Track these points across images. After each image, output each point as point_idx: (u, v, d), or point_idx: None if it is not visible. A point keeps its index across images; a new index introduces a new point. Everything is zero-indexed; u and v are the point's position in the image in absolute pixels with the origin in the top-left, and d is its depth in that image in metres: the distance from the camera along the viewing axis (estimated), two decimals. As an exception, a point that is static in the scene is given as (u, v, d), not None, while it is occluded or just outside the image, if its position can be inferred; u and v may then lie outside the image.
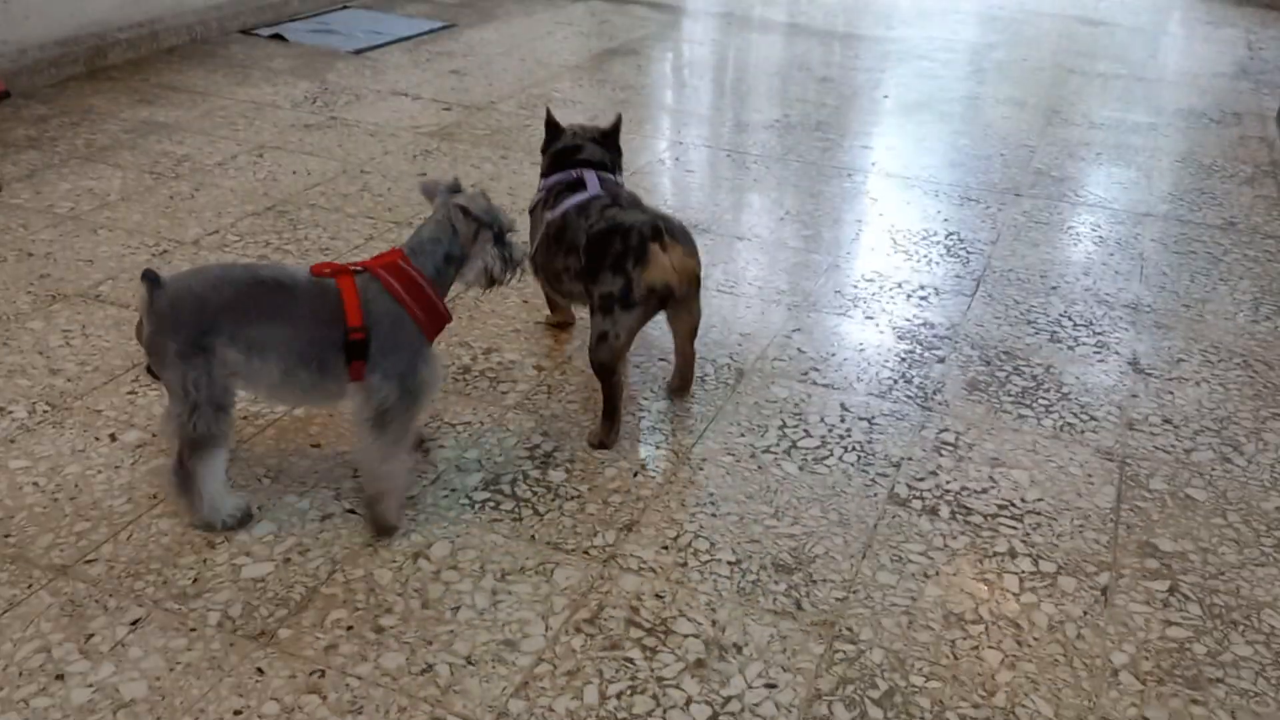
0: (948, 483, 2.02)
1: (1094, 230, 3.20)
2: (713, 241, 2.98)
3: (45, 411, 2.10)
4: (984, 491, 2.00)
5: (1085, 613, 1.72)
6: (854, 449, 2.10)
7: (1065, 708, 1.55)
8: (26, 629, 1.59)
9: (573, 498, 1.93)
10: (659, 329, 2.43)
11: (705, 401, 2.25)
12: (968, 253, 2.99)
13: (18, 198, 3.03)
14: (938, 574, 1.79)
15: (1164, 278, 2.90)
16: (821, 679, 1.57)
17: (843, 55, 5.05)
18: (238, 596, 1.67)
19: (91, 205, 3.01)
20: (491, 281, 1.85)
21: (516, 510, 1.89)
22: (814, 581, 1.76)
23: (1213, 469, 2.10)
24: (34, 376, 2.21)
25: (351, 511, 1.87)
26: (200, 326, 1.65)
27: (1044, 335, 2.57)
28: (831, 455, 2.08)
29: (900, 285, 2.78)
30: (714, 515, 1.90)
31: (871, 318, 2.62)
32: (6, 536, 1.77)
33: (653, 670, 1.57)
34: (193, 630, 1.60)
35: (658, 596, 1.71)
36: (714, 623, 1.66)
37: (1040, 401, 2.30)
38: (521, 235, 1.97)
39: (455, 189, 1.83)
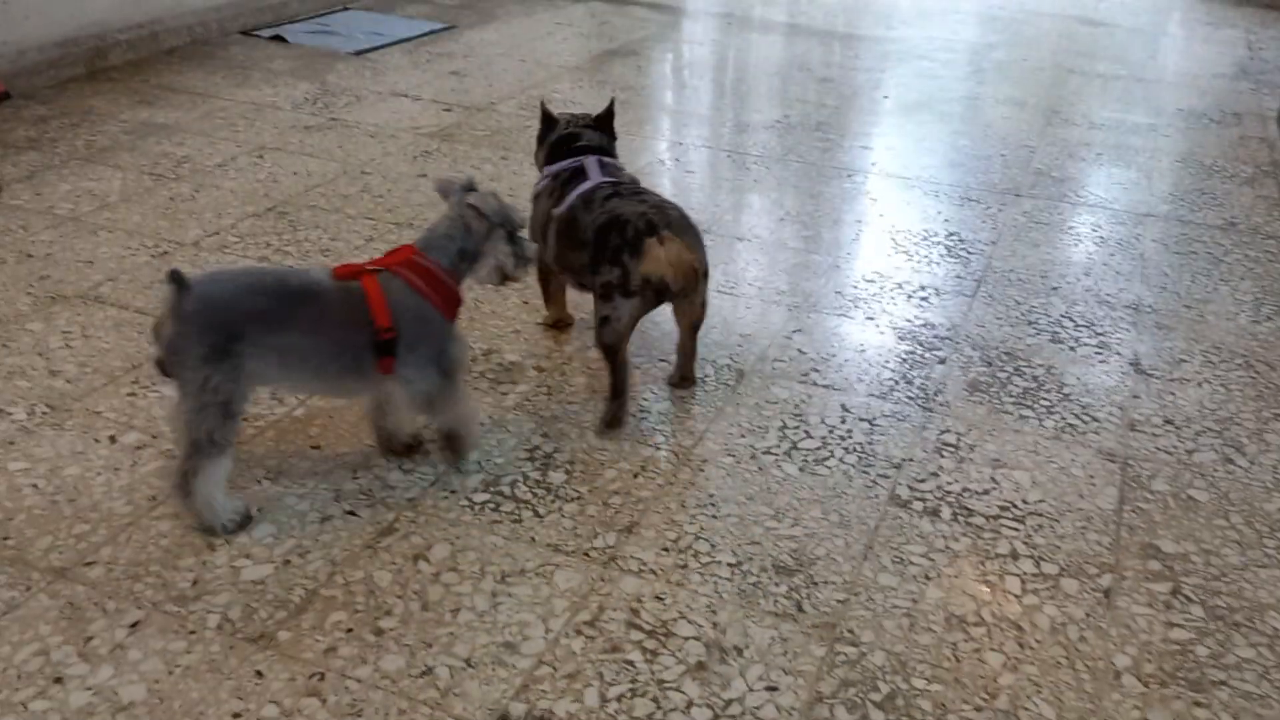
0: (949, 484, 2.02)
1: (1095, 231, 3.19)
2: (713, 242, 2.97)
3: (45, 413, 2.10)
4: (985, 493, 2.00)
5: (1087, 615, 1.72)
6: (855, 450, 2.10)
7: (1068, 710, 1.54)
8: (25, 631, 1.58)
9: (573, 499, 1.92)
10: (659, 330, 2.43)
11: (705, 403, 2.24)
12: (968, 253, 2.99)
13: (17, 199, 3.03)
14: (939, 576, 1.78)
15: (1165, 278, 2.90)
16: (823, 682, 1.57)
17: (843, 55, 5.04)
18: (237, 599, 1.66)
19: (91, 206, 3.00)
20: (504, 279, 1.91)
21: (516, 512, 1.89)
22: (815, 583, 1.75)
23: (1215, 470, 2.10)
24: (33, 378, 2.21)
25: (351, 513, 1.87)
26: (228, 332, 1.66)
27: (1045, 336, 2.57)
28: (832, 456, 2.08)
29: (901, 286, 2.78)
30: (714, 517, 1.90)
31: (872, 318, 2.61)
32: (5, 538, 1.76)
33: (653, 673, 1.57)
34: (192, 633, 1.60)
35: (658, 598, 1.71)
36: (715, 625, 1.66)
37: (1042, 402, 2.29)
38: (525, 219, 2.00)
39: (470, 188, 1.87)
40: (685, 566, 1.78)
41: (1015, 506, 1.96)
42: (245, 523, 1.80)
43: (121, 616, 1.62)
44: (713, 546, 1.83)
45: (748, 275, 2.82)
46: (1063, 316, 2.67)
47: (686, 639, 1.63)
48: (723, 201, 3.29)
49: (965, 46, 5.25)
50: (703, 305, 2.18)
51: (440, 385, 1.84)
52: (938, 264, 2.91)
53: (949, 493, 1.99)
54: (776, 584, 1.75)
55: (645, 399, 2.24)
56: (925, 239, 3.06)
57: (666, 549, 1.81)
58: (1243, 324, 2.67)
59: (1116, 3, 6.38)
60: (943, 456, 2.10)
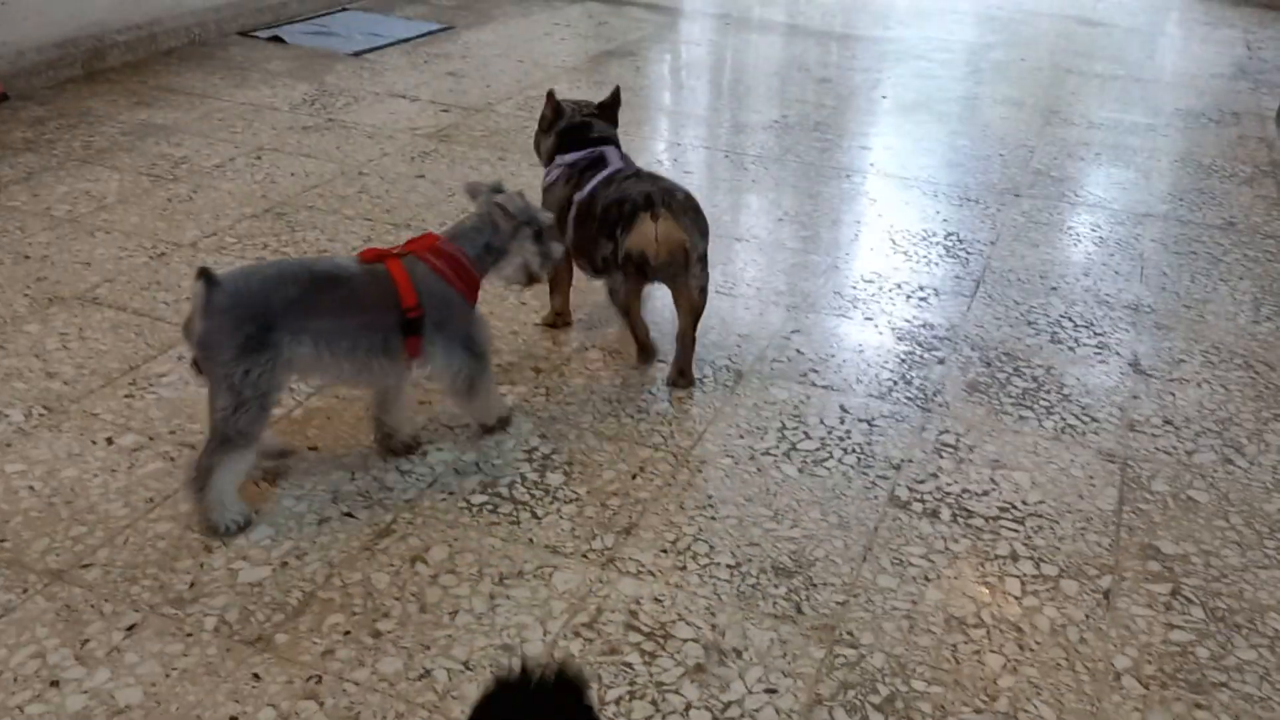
0: (948, 485, 2.01)
1: (1094, 231, 3.19)
2: (711, 242, 2.96)
3: (42, 415, 2.09)
4: (985, 494, 1.99)
5: (1087, 616, 1.71)
6: (854, 451, 2.09)
7: (1068, 712, 1.54)
8: (21, 634, 1.57)
9: (571, 501, 1.92)
10: (659, 330, 2.42)
11: (704, 403, 2.24)
12: (967, 253, 2.98)
13: (15, 200, 3.02)
14: (939, 577, 1.78)
15: (1164, 278, 2.89)
16: (822, 684, 1.56)
17: (840, 56, 5.04)
18: (234, 601, 1.66)
19: (89, 208, 3.00)
20: (530, 278, 1.98)
21: (514, 514, 1.88)
22: (814, 585, 1.75)
23: (1214, 471, 2.09)
24: (30, 380, 2.20)
25: (349, 515, 1.86)
26: (264, 323, 1.68)
27: (1044, 336, 2.56)
28: (831, 457, 2.07)
29: (899, 286, 2.77)
30: (713, 518, 1.89)
31: (871, 319, 2.61)
32: (2, 541, 1.76)
33: (652, 675, 1.56)
34: (189, 635, 1.59)
35: (656, 600, 1.70)
36: (713, 627, 1.65)
37: (1041, 403, 2.29)
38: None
39: (498, 189, 1.95)
40: (684, 568, 1.77)
41: (1015, 507, 1.96)
42: (245, 527, 1.80)
43: (118, 619, 1.61)
44: (711, 548, 1.82)
45: (746, 275, 2.81)
46: (1062, 317, 2.66)
47: (685, 641, 1.62)
48: (721, 202, 3.28)
49: (963, 46, 5.25)
50: (701, 291, 2.19)
51: (473, 366, 1.91)
52: (936, 264, 2.91)
53: (948, 494, 1.99)
54: (775, 586, 1.74)
55: (643, 399, 2.24)
56: (924, 239, 3.06)
57: (665, 551, 1.81)
58: (1242, 324, 2.67)
59: (1114, 2, 6.38)
60: (942, 457, 2.09)
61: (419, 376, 2.04)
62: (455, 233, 1.92)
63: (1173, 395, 2.35)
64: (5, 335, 2.36)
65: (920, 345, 2.50)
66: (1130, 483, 2.05)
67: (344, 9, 5.28)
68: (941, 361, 2.43)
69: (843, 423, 2.19)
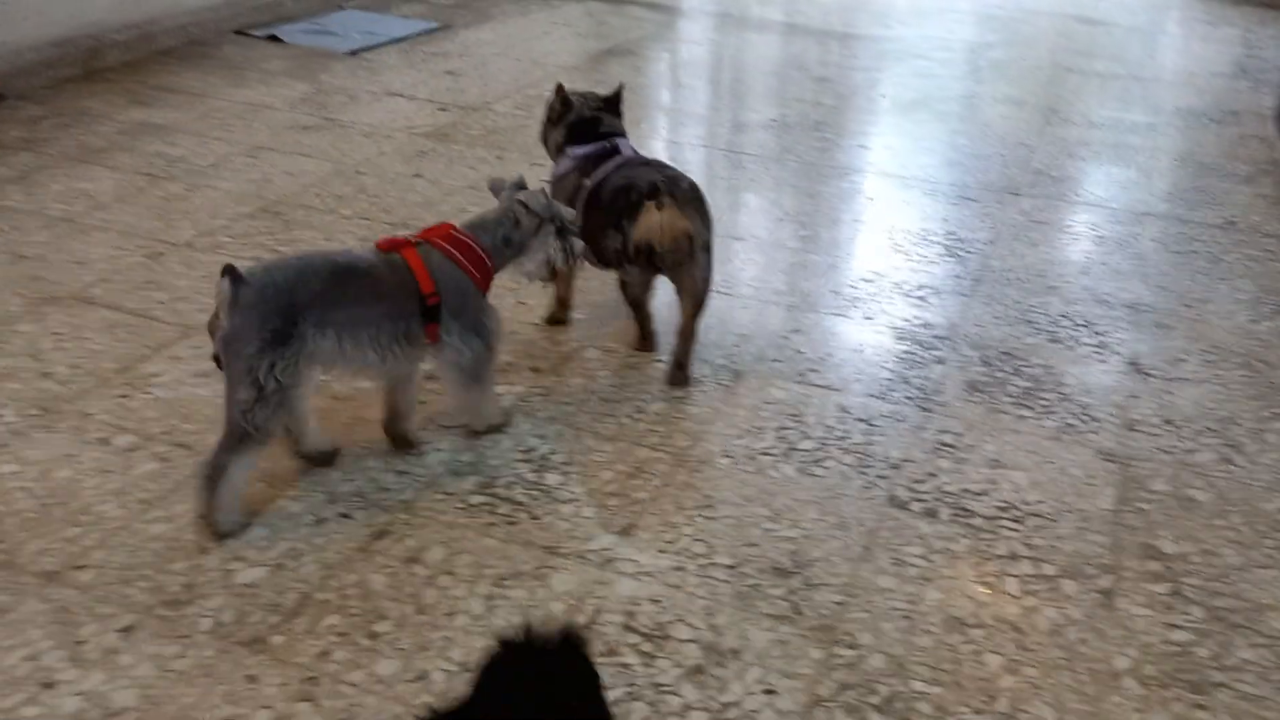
0: (947, 485, 2.00)
1: (1093, 230, 3.18)
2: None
3: (35, 415, 2.08)
4: (984, 493, 1.99)
5: (1087, 616, 1.71)
6: (853, 451, 2.09)
7: (1068, 713, 1.53)
8: (15, 636, 1.56)
9: (569, 501, 1.91)
10: (664, 327, 2.42)
11: (702, 403, 2.23)
12: (966, 252, 2.98)
13: (10, 200, 3.01)
14: (938, 577, 1.77)
15: (1164, 277, 2.89)
16: (821, 685, 1.55)
17: (840, 54, 5.03)
18: (230, 602, 1.65)
19: (85, 207, 2.99)
20: (553, 273, 2.02)
21: (512, 514, 1.87)
22: (813, 585, 1.74)
23: (1214, 470, 2.09)
24: (25, 380, 2.19)
25: (345, 515, 1.85)
26: (289, 316, 1.70)
27: (1043, 335, 2.56)
28: (830, 457, 2.07)
29: (899, 285, 2.77)
30: (712, 519, 1.89)
31: (870, 318, 2.60)
32: (-4, 542, 1.75)
33: (650, 676, 1.55)
34: (184, 637, 1.58)
35: (654, 601, 1.69)
36: (712, 628, 1.65)
37: (1040, 402, 2.28)
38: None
39: (521, 185, 1.98)
40: (682, 569, 1.77)
41: (1014, 507, 1.95)
42: (242, 531, 1.79)
43: (113, 621, 1.60)
44: (710, 548, 1.81)
45: (745, 275, 2.80)
46: (1061, 316, 2.65)
47: (683, 642, 1.62)
48: (719, 201, 3.27)
49: (963, 45, 5.24)
50: (705, 281, 2.20)
51: (482, 354, 1.92)
52: (936, 263, 2.90)
53: (947, 493, 1.98)
54: (774, 586, 1.73)
55: (642, 400, 2.23)
56: (923, 238, 3.05)
57: (663, 551, 1.80)
58: (1242, 323, 2.66)
59: (1114, 1, 6.37)
60: (941, 457, 2.08)
61: (429, 367, 2.03)
62: (473, 223, 1.95)
63: (1172, 394, 2.34)
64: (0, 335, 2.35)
65: (919, 345, 2.49)
66: (1130, 482, 2.04)
67: (341, 8, 5.27)
68: (940, 361, 2.43)
69: (842, 422, 2.18)
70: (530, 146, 2.87)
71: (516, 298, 2.59)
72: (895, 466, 2.05)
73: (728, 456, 2.06)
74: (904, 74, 4.69)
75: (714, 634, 1.63)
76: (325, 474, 1.94)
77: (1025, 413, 2.24)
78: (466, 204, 3.11)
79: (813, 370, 2.37)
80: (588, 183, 2.25)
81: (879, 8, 5.97)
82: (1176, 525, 1.93)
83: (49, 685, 1.49)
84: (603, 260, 2.25)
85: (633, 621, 1.65)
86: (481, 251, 1.90)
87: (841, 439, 2.12)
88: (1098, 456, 2.11)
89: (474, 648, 1.59)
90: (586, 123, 2.35)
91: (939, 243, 3.03)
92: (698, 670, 1.57)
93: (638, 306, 2.31)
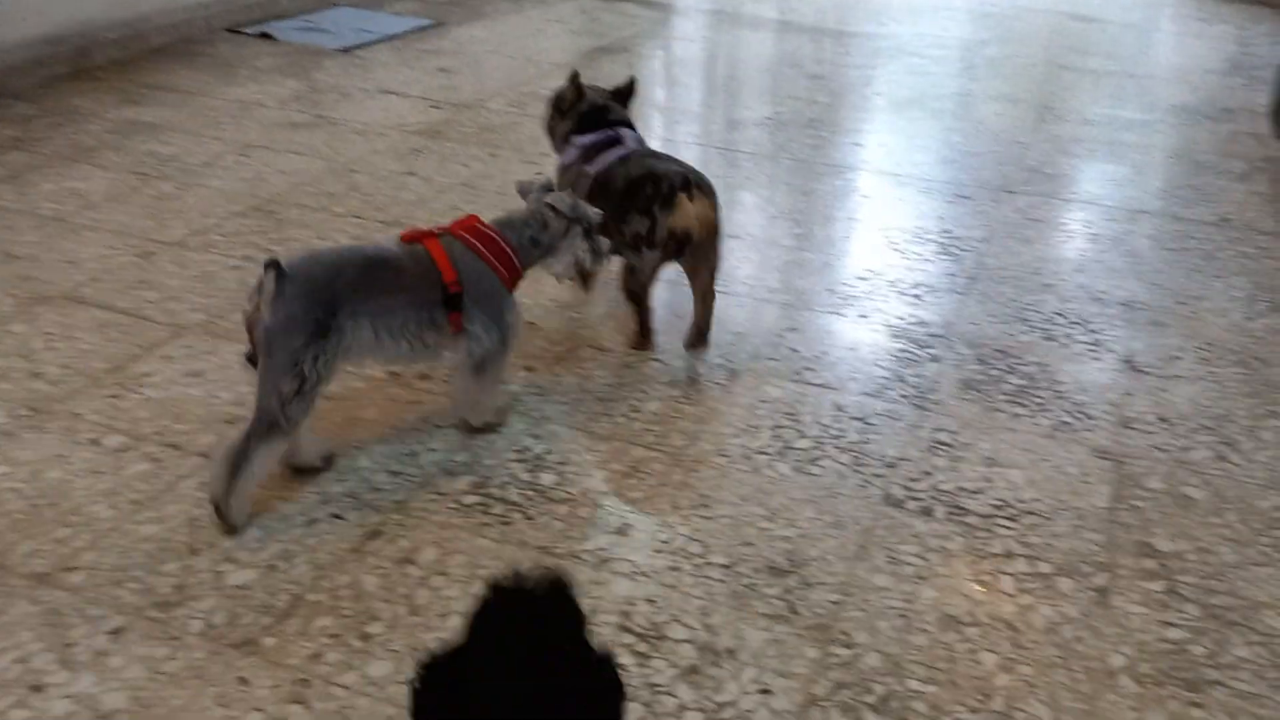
0: (943, 483, 2.00)
1: (1087, 227, 3.18)
2: (704, 240, 2.95)
3: (26, 416, 2.06)
4: (979, 492, 1.98)
5: (1082, 614, 1.70)
6: (848, 449, 2.08)
7: (1063, 712, 1.53)
8: (4, 639, 1.55)
9: (563, 501, 1.90)
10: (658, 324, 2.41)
11: (698, 403, 2.22)
12: (961, 250, 2.97)
13: (1, 199, 2.99)
14: (933, 576, 1.77)
15: (1158, 274, 2.88)
16: (816, 684, 1.55)
17: (834, 52, 5.03)
18: (221, 604, 1.64)
19: (76, 206, 2.97)
20: (581, 272, 2.09)
21: (506, 514, 1.86)
22: (808, 584, 1.73)
23: (1209, 467, 2.08)
24: (15, 380, 2.17)
25: (337, 516, 1.84)
26: (329, 308, 1.73)
27: (1038, 333, 2.55)
28: (825, 456, 2.06)
29: (893, 283, 2.76)
30: (707, 518, 1.88)
31: (865, 316, 2.60)
32: (-15, 544, 1.73)
33: (645, 677, 1.55)
34: (175, 639, 1.57)
35: (650, 601, 1.69)
36: (707, 627, 1.64)
37: (1035, 400, 2.28)
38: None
39: (548, 188, 2.04)
40: (678, 569, 1.76)
41: (1009, 505, 1.95)
42: (243, 530, 1.78)
43: (103, 622, 1.59)
44: (705, 548, 1.81)
45: (740, 273, 2.79)
46: (1056, 313, 2.65)
47: (679, 642, 1.61)
48: (714, 199, 3.26)
49: (956, 43, 5.24)
50: (720, 259, 2.33)
51: (498, 346, 1.95)
52: (930, 261, 2.90)
53: (943, 492, 1.97)
54: (770, 585, 1.73)
55: (637, 399, 2.22)
56: (918, 236, 3.05)
57: (658, 551, 1.79)
58: (1236, 320, 2.66)
59: (1108, -1, 6.37)
60: (936, 455, 2.08)
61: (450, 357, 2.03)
62: (501, 220, 1.98)
63: (1167, 392, 2.34)
64: (-10, 335, 2.33)
65: (914, 343, 2.49)
66: (1125, 480, 2.04)
67: (334, 5, 5.25)
68: (935, 359, 2.42)
69: (837, 421, 2.17)
70: (523, 144, 2.86)
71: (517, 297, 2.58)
72: (891, 465, 2.04)
73: (723, 456, 2.05)
74: (898, 71, 4.69)
75: (709, 634, 1.63)
76: (317, 475, 1.93)
77: (1020, 411, 2.24)
78: (460, 202, 3.10)
79: (808, 369, 2.36)
80: (589, 169, 2.31)
81: (873, 5, 5.96)
82: (1172, 523, 1.93)
83: (38, 688, 1.48)
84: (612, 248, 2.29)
85: (628, 622, 1.64)
86: (507, 248, 1.94)
87: (837, 438, 2.12)
88: (1093, 454, 2.11)
89: (468, 649, 1.58)
90: (599, 110, 2.42)
91: (934, 240, 3.02)
92: (693, 670, 1.56)
93: (639, 299, 2.31)
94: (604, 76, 4.36)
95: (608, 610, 1.66)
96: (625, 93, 2.50)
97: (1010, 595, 1.74)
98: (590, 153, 2.35)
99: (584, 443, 2.07)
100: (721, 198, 2.31)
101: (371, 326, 1.79)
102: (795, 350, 2.44)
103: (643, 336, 2.37)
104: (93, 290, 2.54)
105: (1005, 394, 2.30)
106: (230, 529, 1.76)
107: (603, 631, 1.62)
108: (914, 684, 1.56)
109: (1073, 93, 4.50)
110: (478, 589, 1.67)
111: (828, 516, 1.89)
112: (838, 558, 1.79)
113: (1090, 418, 2.22)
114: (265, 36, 4.67)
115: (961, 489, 1.98)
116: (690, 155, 3.62)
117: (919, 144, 3.82)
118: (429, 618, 1.63)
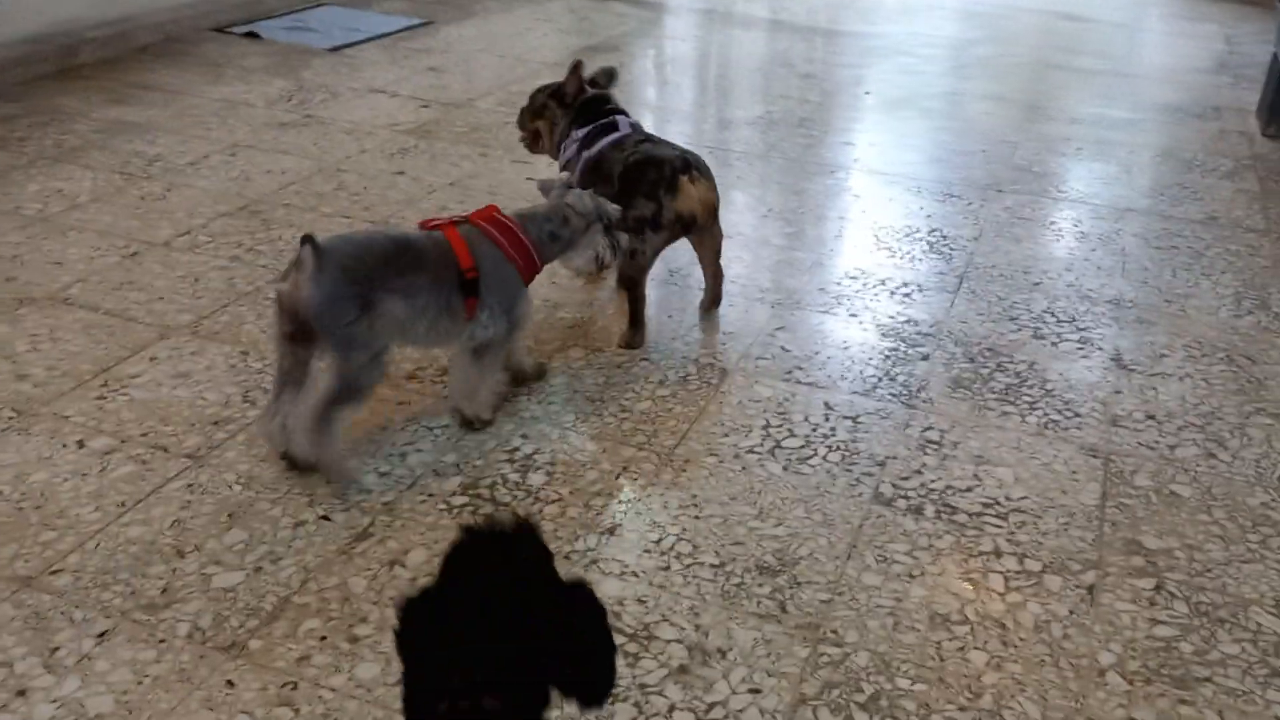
0: (932, 481, 2.00)
1: (1076, 226, 3.19)
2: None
3: (11, 418, 2.05)
4: (969, 490, 1.98)
5: (1071, 612, 1.71)
6: (838, 448, 2.08)
7: (1052, 709, 1.53)
8: (-12, 643, 1.54)
9: (553, 501, 1.90)
10: (652, 331, 2.40)
11: (688, 402, 2.22)
12: (950, 249, 2.98)
13: (-16, 199, 2.97)
14: (923, 574, 1.77)
15: (1146, 273, 2.89)
16: (806, 683, 1.55)
17: (825, 51, 5.03)
18: (208, 607, 1.62)
19: (61, 207, 2.95)
20: (601, 268, 2.15)
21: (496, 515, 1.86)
22: (798, 584, 1.73)
23: (1197, 465, 2.09)
24: (0, 382, 2.16)
25: (325, 518, 1.83)
26: (368, 284, 1.79)
27: (1027, 331, 2.56)
28: (816, 455, 2.06)
29: (884, 282, 2.76)
30: (697, 518, 1.88)
31: (855, 315, 2.60)
32: (-31, 548, 1.72)
33: (635, 677, 1.54)
34: (161, 642, 1.56)
35: (640, 601, 1.68)
36: (697, 627, 1.64)
37: (1024, 398, 2.28)
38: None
39: (569, 186, 2.10)
40: (668, 568, 1.75)
41: (998, 503, 1.95)
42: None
43: (89, 626, 1.58)
44: (695, 548, 1.80)
45: (730, 272, 2.79)
46: (1044, 312, 2.66)
47: (669, 642, 1.61)
48: (704, 198, 3.26)
49: (946, 42, 5.25)
50: (720, 236, 2.45)
51: (504, 334, 1.99)
52: (920, 260, 2.90)
53: (932, 490, 1.98)
54: (760, 585, 1.73)
55: (627, 398, 2.22)
56: (908, 235, 3.05)
57: (648, 551, 1.79)
58: (1224, 318, 2.67)
59: (1096, -2, 6.39)
60: (926, 454, 2.08)
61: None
62: (522, 213, 2.03)
63: (1155, 390, 2.34)
64: (-26, 337, 2.31)
65: (904, 341, 2.49)
66: (1113, 478, 2.04)
67: (321, 4, 5.23)
68: (925, 358, 2.42)
69: (827, 420, 2.17)
70: (513, 144, 2.85)
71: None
72: (881, 464, 2.04)
73: (713, 455, 2.05)
74: (889, 71, 4.70)
75: (699, 634, 1.62)
76: (304, 476, 1.92)
77: (1009, 409, 2.24)
78: (449, 201, 3.09)
79: (798, 368, 2.36)
80: (587, 154, 2.38)
81: (864, 4, 5.97)
82: (1160, 520, 1.93)
83: (22, 693, 1.47)
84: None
85: (618, 622, 1.63)
86: (524, 238, 1.98)
87: (827, 437, 2.12)
88: (1081, 452, 2.11)
89: (457, 650, 1.57)
90: (600, 100, 2.48)
91: (923, 239, 3.03)
92: (683, 670, 1.56)
93: (634, 285, 2.33)
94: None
95: (597, 611, 1.65)
96: (602, 83, 2.56)
97: (999, 593, 1.74)
98: (587, 141, 2.42)
99: (574, 443, 2.06)
100: (713, 195, 2.33)
101: (404, 303, 1.84)
102: (786, 349, 2.43)
103: (634, 328, 2.37)
104: (78, 291, 2.52)
105: (994, 392, 2.30)
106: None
107: (592, 632, 1.61)
108: (903, 682, 1.56)
109: (1062, 92, 4.52)
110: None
111: (817, 515, 1.89)
112: (827, 557, 1.79)
113: (1079, 415, 2.23)
114: (252, 36, 4.65)
115: (951, 487, 1.99)
116: (680, 154, 3.62)
117: (909, 143, 3.83)
118: (418, 619, 1.62)
